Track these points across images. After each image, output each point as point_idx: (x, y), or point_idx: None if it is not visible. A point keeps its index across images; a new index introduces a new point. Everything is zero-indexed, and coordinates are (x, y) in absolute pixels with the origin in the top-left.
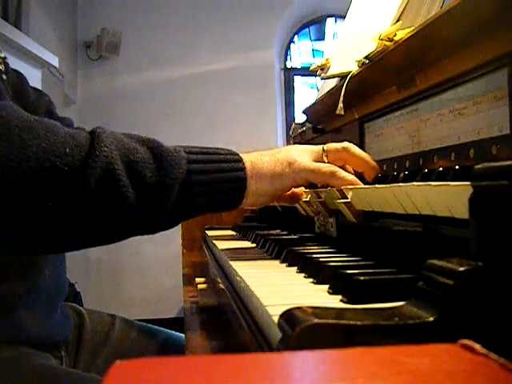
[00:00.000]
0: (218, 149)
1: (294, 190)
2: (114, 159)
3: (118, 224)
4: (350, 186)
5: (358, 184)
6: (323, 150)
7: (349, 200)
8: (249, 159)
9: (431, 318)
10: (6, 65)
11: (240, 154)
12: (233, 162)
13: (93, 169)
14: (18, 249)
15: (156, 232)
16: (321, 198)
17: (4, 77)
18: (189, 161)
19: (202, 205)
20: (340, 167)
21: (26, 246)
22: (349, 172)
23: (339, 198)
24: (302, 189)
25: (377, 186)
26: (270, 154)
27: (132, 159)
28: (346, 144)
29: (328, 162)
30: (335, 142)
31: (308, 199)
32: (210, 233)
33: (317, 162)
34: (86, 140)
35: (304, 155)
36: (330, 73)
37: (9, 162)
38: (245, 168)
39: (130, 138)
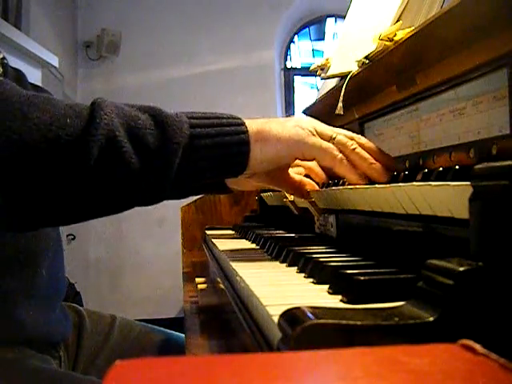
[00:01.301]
0: (220, 114)
1: (303, 180)
2: (115, 126)
3: (123, 192)
4: (351, 186)
5: (361, 179)
6: (332, 137)
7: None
8: (253, 123)
9: (431, 318)
10: (5, 66)
11: (244, 119)
12: (235, 125)
13: (94, 136)
14: (25, 222)
15: (161, 200)
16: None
17: (2, 78)
18: (191, 125)
19: (207, 169)
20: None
21: (33, 219)
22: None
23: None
24: (312, 183)
25: (377, 186)
26: (278, 122)
27: (133, 126)
28: (354, 135)
29: None
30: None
31: (292, 199)
32: (209, 233)
33: None
34: (86, 110)
35: (313, 129)
36: (329, 73)
37: (12, 134)
38: (247, 131)
39: (130, 106)
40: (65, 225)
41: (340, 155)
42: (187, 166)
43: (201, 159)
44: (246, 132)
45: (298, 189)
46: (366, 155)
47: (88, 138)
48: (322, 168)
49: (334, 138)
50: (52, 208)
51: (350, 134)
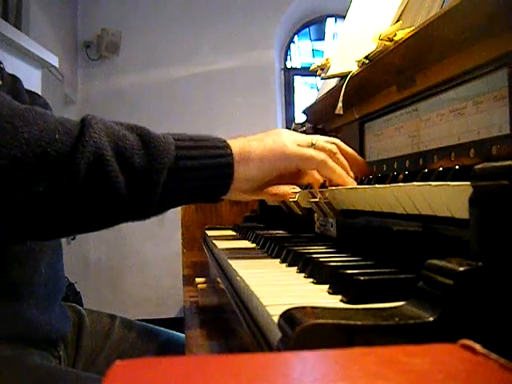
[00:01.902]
0: (205, 136)
1: (281, 188)
2: (103, 145)
3: (108, 209)
4: (350, 186)
5: (346, 176)
6: (312, 143)
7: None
8: (236, 145)
9: (431, 318)
10: (2, 70)
11: (227, 141)
12: (220, 148)
13: (82, 153)
14: (9, 236)
15: (145, 218)
16: (327, 198)
17: (0, 82)
18: (177, 147)
19: (191, 190)
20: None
21: (19, 232)
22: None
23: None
24: (290, 188)
25: (376, 186)
26: (258, 139)
27: (121, 145)
28: (334, 139)
29: None
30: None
31: (296, 199)
32: (209, 233)
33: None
34: (76, 126)
35: (293, 143)
36: (329, 73)
37: (1, 148)
38: (232, 154)
39: (119, 125)
40: (50, 239)
41: (322, 157)
42: (172, 186)
43: (185, 180)
44: (230, 155)
45: (280, 196)
46: (349, 149)
47: (76, 155)
48: None
49: (314, 144)
50: (37, 222)
51: (329, 138)
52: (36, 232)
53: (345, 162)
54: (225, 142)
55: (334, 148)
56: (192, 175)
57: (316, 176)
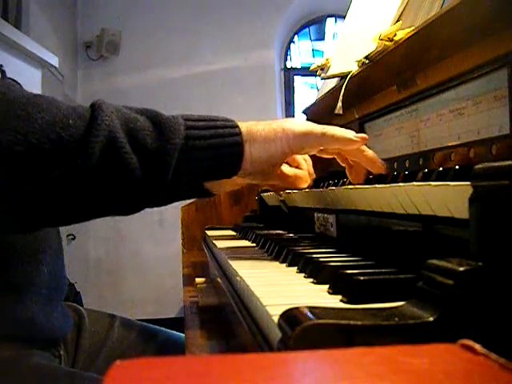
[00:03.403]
0: (214, 116)
1: (297, 173)
2: (115, 128)
3: (123, 191)
4: (351, 186)
5: (348, 139)
6: (322, 133)
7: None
8: (244, 125)
9: (431, 318)
10: (3, 73)
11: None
12: (229, 127)
13: (96, 137)
14: (27, 222)
15: (159, 201)
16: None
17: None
18: (187, 127)
19: (202, 170)
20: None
21: (35, 219)
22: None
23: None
24: (306, 175)
25: (376, 185)
26: (265, 123)
27: (132, 127)
28: (348, 131)
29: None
30: None
31: (283, 198)
32: (209, 233)
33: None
34: (87, 111)
35: (298, 125)
36: (329, 73)
37: (16, 134)
38: (241, 133)
39: (128, 108)
40: (65, 225)
41: (323, 129)
42: (183, 166)
43: (196, 160)
44: (239, 134)
45: (292, 183)
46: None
47: (89, 139)
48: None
49: (325, 133)
50: (53, 208)
51: (339, 131)
52: (53, 217)
53: (362, 148)
54: (233, 121)
55: (347, 135)
56: (202, 154)
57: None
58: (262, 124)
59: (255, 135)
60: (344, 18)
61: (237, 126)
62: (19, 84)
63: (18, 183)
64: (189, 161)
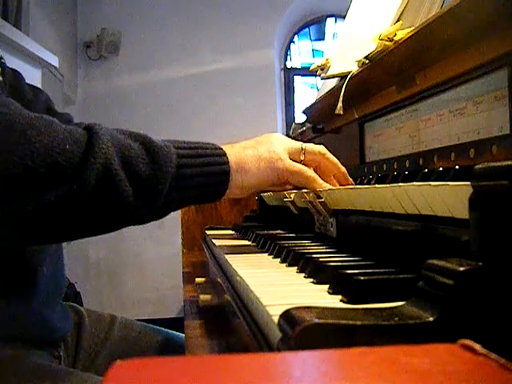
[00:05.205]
0: (203, 143)
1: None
2: (111, 155)
3: (115, 216)
4: (350, 186)
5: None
6: (302, 148)
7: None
8: (233, 153)
9: (431, 318)
10: (3, 65)
11: (223, 147)
12: (217, 156)
13: (93, 164)
14: (19, 241)
15: (147, 222)
16: (321, 198)
17: (0, 78)
18: (178, 155)
19: (190, 196)
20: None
21: (27, 238)
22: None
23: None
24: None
25: (376, 185)
26: (253, 147)
27: (127, 155)
28: (322, 148)
29: (301, 161)
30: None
31: (292, 199)
32: (209, 233)
33: (293, 159)
34: (83, 136)
35: (283, 152)
36: (329, 73)
37: (13, 157)
38: (228, 162)
39: (122, 134)
40: (59, 242)
41: (311, 174)
42: (174, 193)
43: (186, 187)
44: (226, 163)
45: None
46: (335, 159)
47: (86, 166)
48: None
49: (304, 149)
50: (48, 228)
51: (317, 146)
52: (46, 236)
53: (335, 160)
54: (221, 149)
55: (322, 149)
56: (191, 182)
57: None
58: (249, 149)
59: (246, 165)
60: (344, 18)
61: (224, 155)
62: (21, 75)
63: (16, 203)
64: (179, 188)
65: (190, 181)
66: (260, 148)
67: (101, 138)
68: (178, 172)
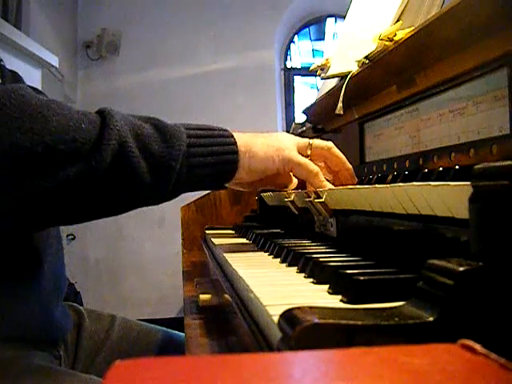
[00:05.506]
0: (210, 125)
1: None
2: (125, 133)
3: (130, 193)
4: (350, 186)
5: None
6: (309, 143)
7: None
8: (242, 137)
9: (431, 318)
10: (2, 67)
11: (233, 132)
12: (226, 137)
13: (109, 141)
14: (34, 221)
15: (159, 202)
16: (321, 198)
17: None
18: (188, 135)
19: (201, 175)
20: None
21: (43, 218)
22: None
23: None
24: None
25: (376, 185)
26: (263, 137)
27: (140, 133)
28: (330, 144)
29: (307, 156)
30: (332, 141)
31: (292, 199)
32: (209, 232)
33: (300, 153)
34: (97, 117)
35: (292, 145)
36: (329, 73)
37: (33, 135)
38: (236, 143)
39: (133, 116)
40: (71, 224)
41: (314, 169)
42: (185, 171)
43: (197, 166)
44: (234, 143)
45: (279, 185)
46: (342, 155)
47: (102, 143)
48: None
49: (311, 144)
50: (63, 207)
51: (325, 144)
52: (61, 217)
53: (342, 156)
54: (228, 131)
55: (329, 144)
56: (202, 161)
57: (293, 178)
58: (260, 138)
59: (255, 150)
60: (344, 18)
61: (232, 136)
62: (20, 77)
63: (34, 183)
64: (190, 167)
65: (200, 160)
66: (269, 138)
67: (114, 116)
68: (189, 151)
